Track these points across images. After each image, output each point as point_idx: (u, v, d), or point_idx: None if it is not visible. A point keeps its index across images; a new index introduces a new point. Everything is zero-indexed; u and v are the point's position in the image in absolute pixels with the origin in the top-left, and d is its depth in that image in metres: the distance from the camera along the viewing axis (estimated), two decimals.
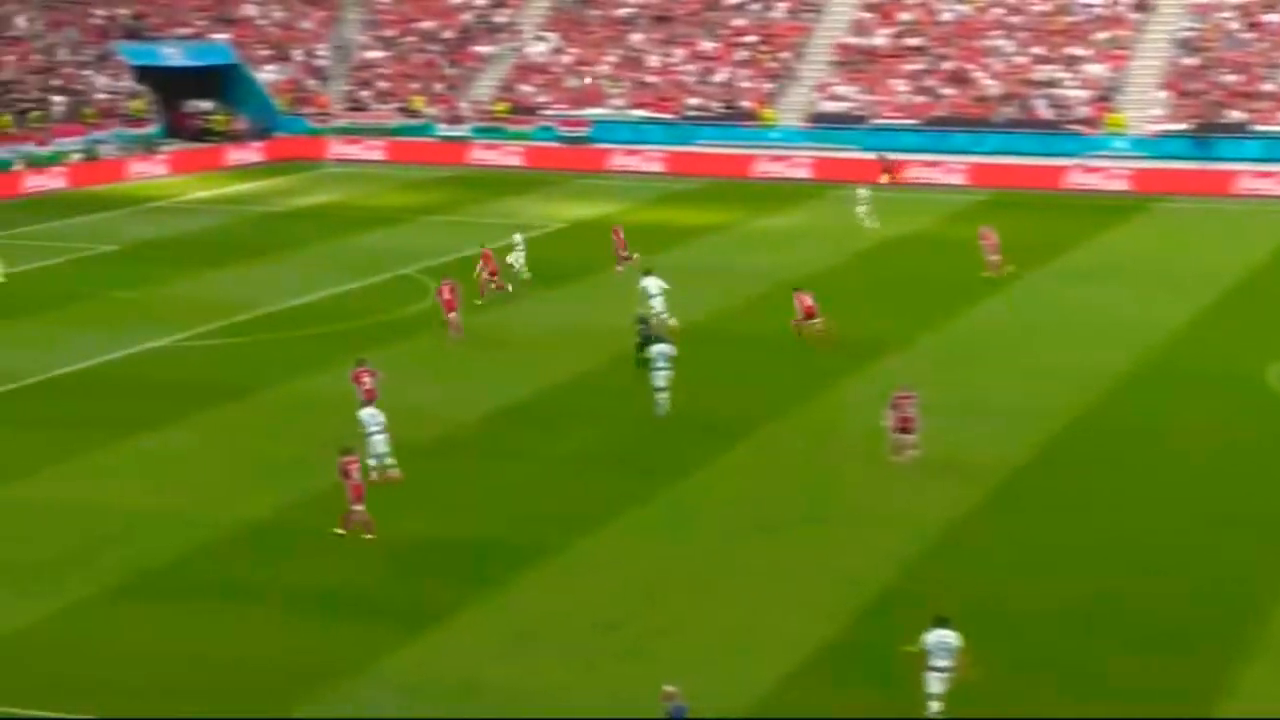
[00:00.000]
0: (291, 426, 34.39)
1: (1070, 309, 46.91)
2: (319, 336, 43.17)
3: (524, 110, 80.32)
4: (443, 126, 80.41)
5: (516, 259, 49.36)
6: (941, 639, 22.25)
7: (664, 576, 27.05)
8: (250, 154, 78.59)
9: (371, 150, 78.91)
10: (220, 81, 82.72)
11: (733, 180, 71.92)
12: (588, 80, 79.05)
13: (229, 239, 58.45)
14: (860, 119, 76.34)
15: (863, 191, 60.25)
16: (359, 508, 28.43)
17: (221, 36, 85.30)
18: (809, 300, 42.10)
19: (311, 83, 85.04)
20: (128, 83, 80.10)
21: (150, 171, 73.94)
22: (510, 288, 47.14)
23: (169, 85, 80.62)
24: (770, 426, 35.37)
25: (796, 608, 25.87)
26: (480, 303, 46.02)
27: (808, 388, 38.25)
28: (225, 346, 42.35)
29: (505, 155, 77.28)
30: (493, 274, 46.86)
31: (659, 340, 36.73)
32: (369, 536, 28.42)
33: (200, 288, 49.60)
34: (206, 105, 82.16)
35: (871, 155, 71.29)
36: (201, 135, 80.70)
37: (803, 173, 72.68)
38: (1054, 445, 34.23)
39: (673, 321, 42.16)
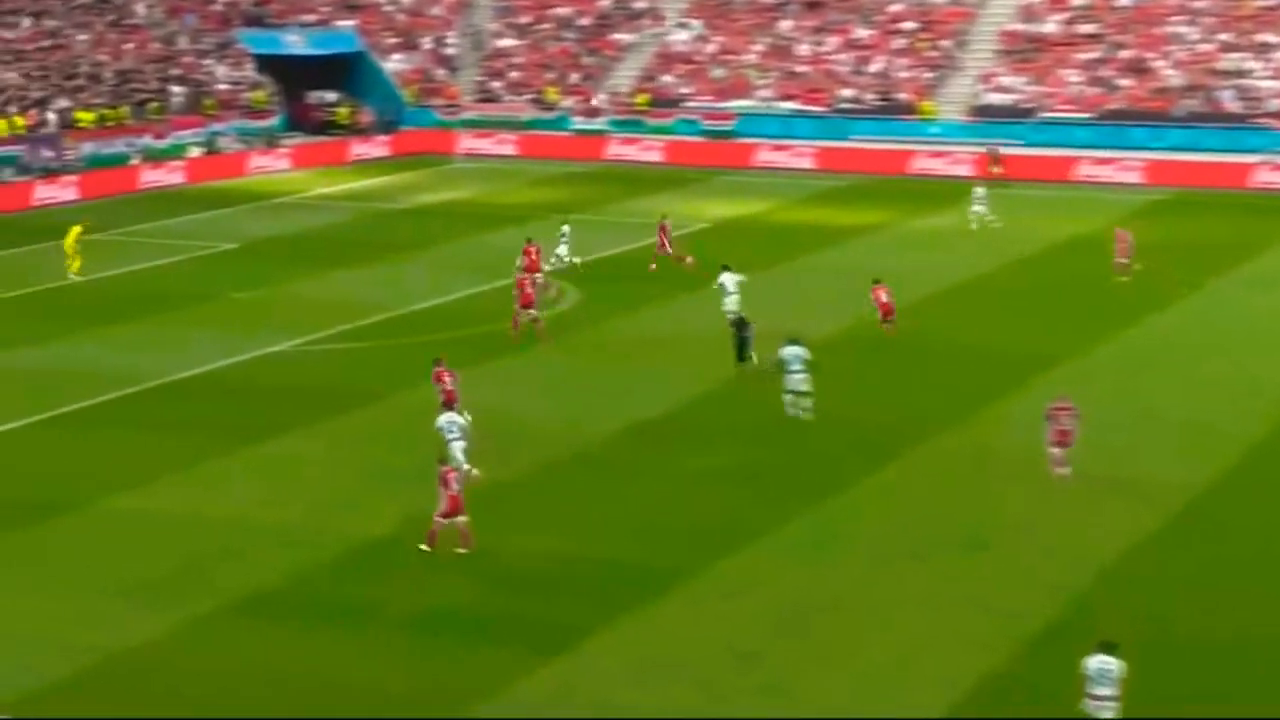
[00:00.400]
0: (416, 437, 34.83)
1: (1259, 317, 46.11)
2: (447, 342, 43.65)
3: (665, 102, 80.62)
4: (578, 119, 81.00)
5: (562, 250, 50.70)
6: (1103, 665, 22.08)
7: (807, 604, 27.03)
8: (376, 148, 79.82)
9: (503, 144, 79.74)
10: (345, 71, 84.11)
11: (888, 177, 71.62)
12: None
13: (353, 237, 59.39)
14: (1027, 112, 75.63)
15: (979, 190, 59.94)
16: (445, 520, 28.85)
17: (347, 23, 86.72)
18: (884, 295, 43.17)
19: (440, 73, 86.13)
20: (249, 72, 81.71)
21: (271, 166, 75.38)
22: (555, 291, 47.61)
23: (292, 75, 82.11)
24: (925, 443, 35.17)
25: (951, 641, 25.72)
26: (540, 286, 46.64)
27: (968, 401, 37.98)
28: (348, 351, 43.04)
29: (644, 150, 77.67)
30: (531, 270, 47.37)
31: (791, 342, 36.92)
32: (463, 550, 28.83)
33: (322, 289, 50.45)
34: (330, 96, 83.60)
35: (983, 149, 71.08)
36: (325, 128, 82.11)
37: (964, 170, 72.12)
38: (1241, 465, 33.67)
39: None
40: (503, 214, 63.02)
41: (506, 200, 67.41)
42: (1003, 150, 70.93)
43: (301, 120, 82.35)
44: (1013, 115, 75.55)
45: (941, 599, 27.22)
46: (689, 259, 51.06)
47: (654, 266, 51.51)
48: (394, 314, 46.78)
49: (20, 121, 69.31)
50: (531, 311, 43.46)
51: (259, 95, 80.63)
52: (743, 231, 60.61)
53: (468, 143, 79.80)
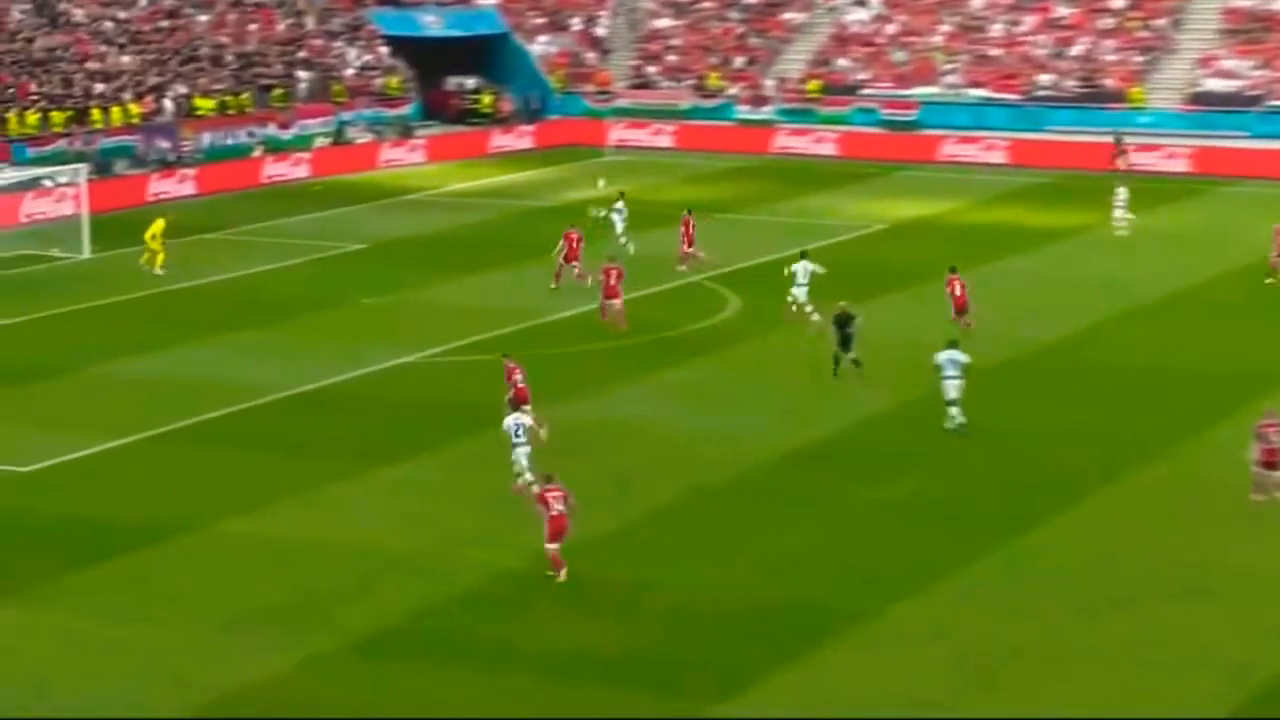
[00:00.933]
0: (559, 460, 34.90)
1: None
2: (595, 354, 43.83)
3: (840, 89, 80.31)
4: (743, 108, 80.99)
5: (615, 219, 53.53)
6: None
7: (996, 654, 26.71)
8: (518, 139, 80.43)
9: (659, 135, 79.95)
10: (486, 55, 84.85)
11: (1091, 174, 70.70)
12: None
13: (492, 238, 59.82)
14: (1253, 100, 74.30)
15: (1122, 191, 58.99)
16: (554, 545, 29.04)
17: (488, 2, 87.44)
18: (959, 288, 44.08)
19: (591, 56, 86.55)
20: (381, 56, 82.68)
21: (404, 159, 76.23)
22: (590, 281, 49.09)
23: (428, 59, 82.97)
24: (1131, 474, 34.68)
25: (1163, 698, 25.26)
26: (554, 287, 49.68)
27: (1179, 427, 37.45)
28: (485, 364, 43.25)
29: (816, 142, 77.50)
30: (569, 259, 50.08)
31: (949, 345, 36.95)
32: (560, 579, 29.01)
33: (458, 294, 50.86)
34: (470, 82, 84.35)
35: (1109, 138, 70.27)
36: (464, 117, 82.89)
37: (1179, 165, 71.12)
38: None
39: (815, 317, 44.45)
40: (657, 213, 63.03)
41: (662, 198, 67.43)
42: (1128, 140, 70.21)
43: (438, 109, 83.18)
44: (1236, 103, 74.21)
45: (1151, 650, 26.72)
46: (701, 254, 52.64)
47: (683, 267, 52.47)
48: (535, 323, 47.00)
49: (135, 109, 70.71)
50: (615, 303, 45.37)
51: (392, 81, 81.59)
52: (925, 233, 60.13)
53: (620, 133, 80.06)
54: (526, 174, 73.75)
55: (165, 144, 70.34)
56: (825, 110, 79.45)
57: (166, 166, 68.97)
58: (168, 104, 72.22)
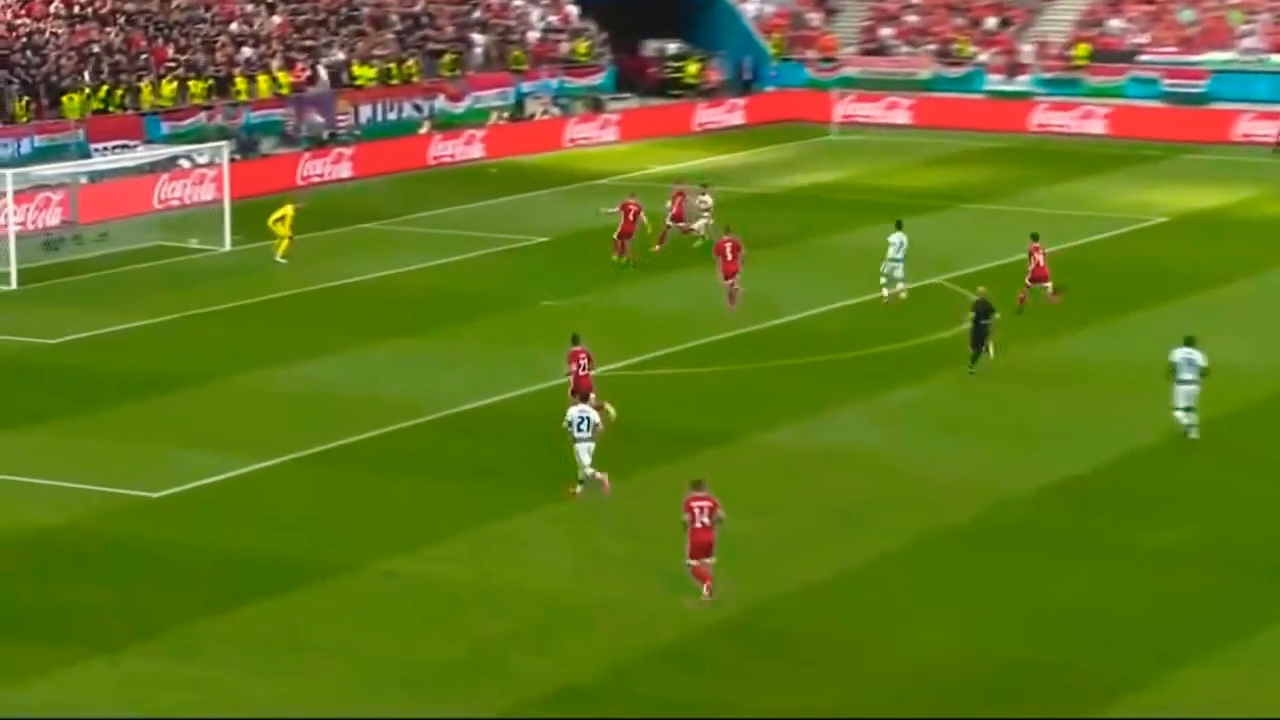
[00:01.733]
0: (776, 491, 34.98)
1: None
2: (813, 369, 43.78)
3: (1112, 55, 79.52)
4: (995, 78, 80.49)
5: (699, 225, 55.32)
6: None
7: None
8: (728, 114, 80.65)
9: (894, 110, 79.78)
10: (691, 15, 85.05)
11: None
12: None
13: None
14: None
15: None
16: (694, 561, 29.81)
17: None
18: (1041, 258, 45.88)
19: (814, 17, 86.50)
20: (569, 16, 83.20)
21: (594, 137, 76.74)
22: (699, 230, 53.61)
23: (622, 20, 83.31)
24: None
25: None
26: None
27: None
28: (687, 378, 43.44)
29: (1082, 119, 76.90)
30: (626, 233, 54.08)
31: (1186, 343, 37.22)
32: (705, 597, 29.56)
33: (655, 297, 51.12)
34: (671, 47, 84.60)
35: None
36: (664, 88, 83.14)
37: None
38: None
39: (904, 295, 46.56)
40: (891, 201, 62.90)
41: (896, 183, 67.30)
42: None
43: (634, 78, 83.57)
44: None
45: None
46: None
47: (697, 243, 54.36)
48: (745, 331, 47.05)
49: (285, 79, 71.85)
50: (732, 283, 47.53)
51: (580, 46, 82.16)
52: (1214, 228, 59.41)
53: (847, 108, 79.94)
54: (737, 155, 73.84)
55: (319, 119, 71.41)
56: (1094, 80, 78.78)
57: (320, 145, 70.01)
58: (323, 72, 73.28)
